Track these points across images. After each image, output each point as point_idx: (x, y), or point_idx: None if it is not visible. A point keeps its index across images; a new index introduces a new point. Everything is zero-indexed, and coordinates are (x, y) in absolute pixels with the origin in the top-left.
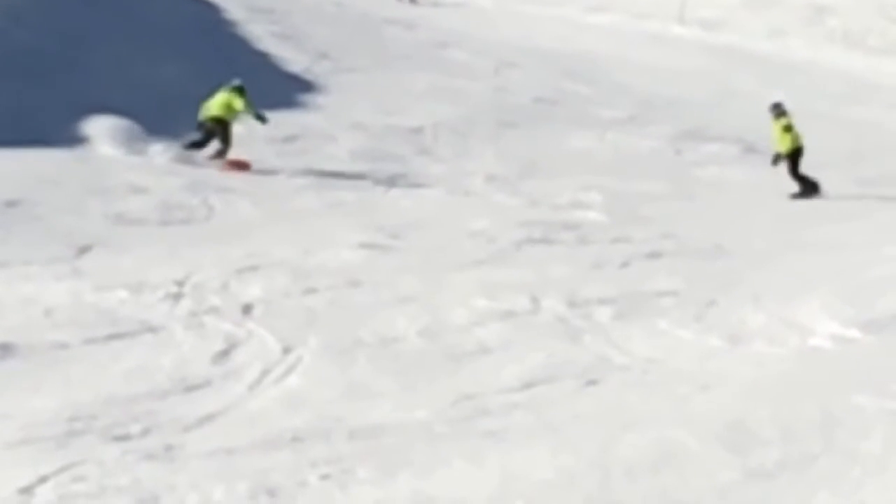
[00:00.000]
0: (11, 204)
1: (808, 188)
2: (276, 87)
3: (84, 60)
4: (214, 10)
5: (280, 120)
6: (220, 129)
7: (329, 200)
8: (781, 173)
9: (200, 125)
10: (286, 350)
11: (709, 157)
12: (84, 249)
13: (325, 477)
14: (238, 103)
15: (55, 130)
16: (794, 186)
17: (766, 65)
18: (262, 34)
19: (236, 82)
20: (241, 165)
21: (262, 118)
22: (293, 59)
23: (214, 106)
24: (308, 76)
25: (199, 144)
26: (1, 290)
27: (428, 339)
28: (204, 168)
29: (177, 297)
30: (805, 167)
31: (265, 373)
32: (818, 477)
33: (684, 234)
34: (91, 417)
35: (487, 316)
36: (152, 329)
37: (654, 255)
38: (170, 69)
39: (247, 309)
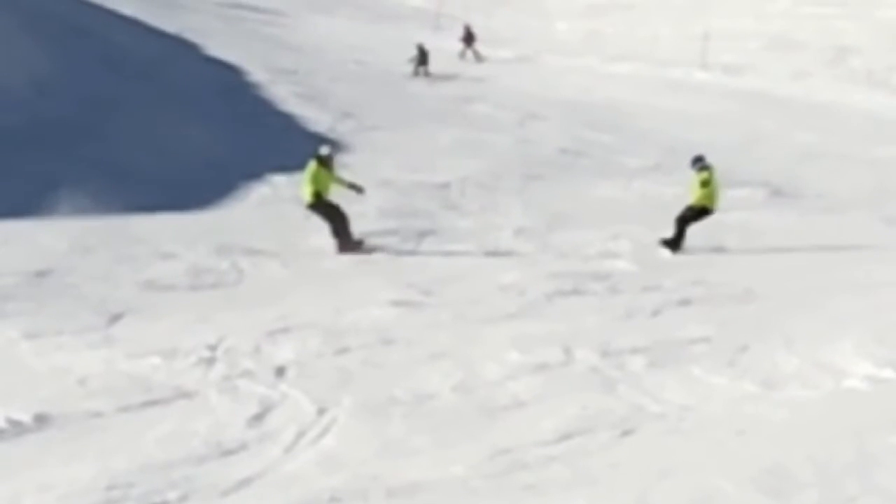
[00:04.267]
0: (42, 274)
1: (676, 242)
2: (301, 147)
3: (109, 127)
4: (238, 73)
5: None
6: (323, 209)
7: (358, 259)
8: (811, 218)
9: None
10: (321, 411)
11: (736, 202)
12: (116, 317)
13: None
14: (319, 178)
15: (82, 199)
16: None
17: (791, 107)
18: (285, 95)
19: (321, 151)
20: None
21: (356, 188)
22: (317, 119)
23: (306, 188)
24: (333, 135)
25: (338, 233)
26: (34, 360)
27: (462, 395)
28: (234, 234)
29: (210, 361)
30: (820, 209)
31: (300, 434)
32: None
33: (714, 280)
34: (128, 485)
35: (521, 369)
36: (186, 394)
37: (685, 303)
38: (195, 133)
39: (280, 371)
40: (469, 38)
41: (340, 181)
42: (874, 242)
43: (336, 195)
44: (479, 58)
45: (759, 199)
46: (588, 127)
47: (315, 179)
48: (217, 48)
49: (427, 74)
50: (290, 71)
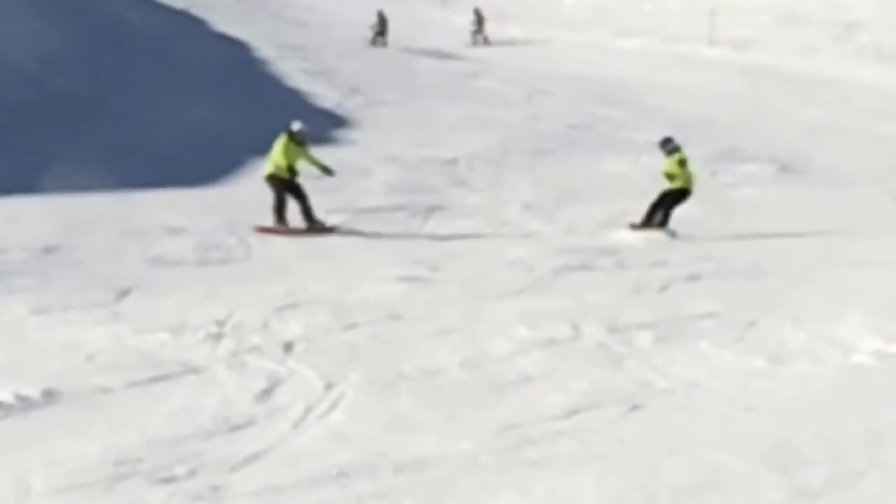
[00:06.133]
0: (49, 250)
1: (655, 224)
2: (308, 124)
3: (118, 103)
4: (245, 49)
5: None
6: (281, 185)
7: (366, 235)
8: (819, 193)
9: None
10: (329, 386)
11: (744, 178)
12: (123, 293)
13: None
14: (289, 152)
15: (89, 174)
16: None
17: (798, 83)
18: (293, 71)
19: (293, 126)
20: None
21: (327, 170)
22: (325, 95)
23: (271, 160)
24: (340, 111)
25: (279, 211)
26: (42, 336)
27: (470, 370)
28: (242, 210)
29: (218, 337)
30: (828, 184)
31: (308, 410)
32: (865, 495)
33: (722, 256)
34: (136, 461)
35: (528, 345)
36: (194, 370)
37: (693, 278)
38: (203, 109)
39: (288, 347)
40: (480, 22)
41: (313, 161)
42: (882, 218)
43: (304, 174)
44: (487, 41)
45: (767, 174)
46: (596, 102)
47: (285, 153)
48: (224, 24)
49: (384, 45)
50: (298, 47)
